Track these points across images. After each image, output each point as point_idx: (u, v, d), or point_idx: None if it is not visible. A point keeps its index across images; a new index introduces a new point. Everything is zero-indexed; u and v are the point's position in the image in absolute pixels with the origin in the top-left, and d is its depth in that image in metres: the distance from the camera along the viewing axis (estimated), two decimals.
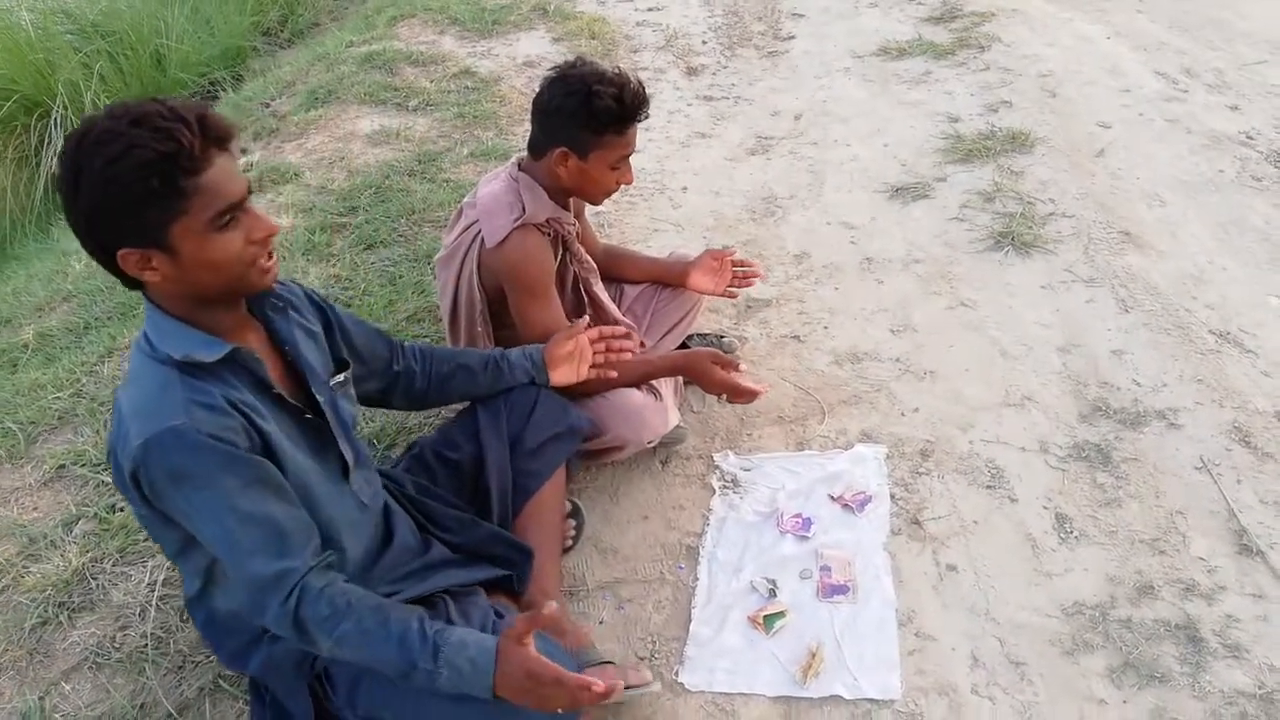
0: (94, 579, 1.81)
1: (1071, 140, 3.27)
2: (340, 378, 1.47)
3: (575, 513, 1.95)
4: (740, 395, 1.92)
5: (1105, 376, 2.26)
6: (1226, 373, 2.21)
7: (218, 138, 1.18)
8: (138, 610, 1.75)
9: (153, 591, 1.77)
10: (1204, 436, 2.05)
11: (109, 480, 2.04)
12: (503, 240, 1.86)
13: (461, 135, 3.59)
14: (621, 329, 1.90)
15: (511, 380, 1.77)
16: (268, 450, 1.26)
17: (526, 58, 4.37)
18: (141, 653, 1.67)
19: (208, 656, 1.67)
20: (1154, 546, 1.82)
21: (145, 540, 1.88)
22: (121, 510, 1.96)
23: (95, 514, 1.96)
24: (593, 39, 4.54)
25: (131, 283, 1.23)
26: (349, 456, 1.42)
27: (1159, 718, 1.53)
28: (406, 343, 1.74)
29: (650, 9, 5.03)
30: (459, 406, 1.86)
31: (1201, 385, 2.19)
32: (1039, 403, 2.21)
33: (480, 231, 1.91)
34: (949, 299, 2.60)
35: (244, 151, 3.68)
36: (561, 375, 1.79)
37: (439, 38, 4.64)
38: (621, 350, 1.84)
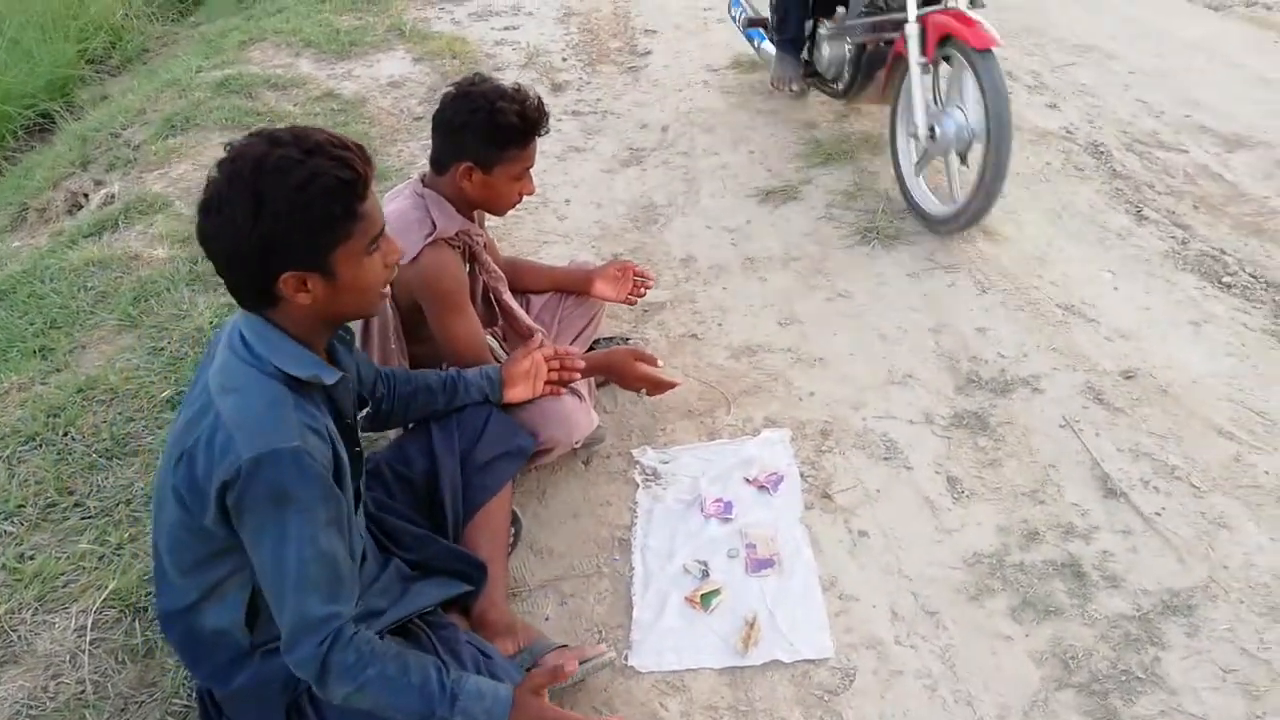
0: (14, 631, 1.73)
1: None
2: (366, 410, 1.51)
3: (513, 519, 2.01)
4: (660, 388, 2.04)
5: (974, 351, 2.49)
6: (1075, 340, 2.49)
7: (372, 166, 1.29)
8: (68, 657, 1.68)
9: (82, 637, 1.70)
10: (1064, 398, 2.31)
11: (12, 529, 1.94)
12: (416, 257, 1.89)
13: None
14: (574, 349, 1.97)
15: (466, 399, 1.82)
16: (338, 482, 1.28)
17: (390, 78, 4.35)
18: (80, 699, 1.61)
19: (151, 695, 1.62)
20: (1034, 497, 2.05)
21: (66, 586, 1.80)
22: (33, 558, 1.87)
23: (4, 564, 1.86)
24: (454, 58, 4.56)
25: (261, 304, 1.26)
26: (362, 487, 1.45)
27: (1057, 645, 1.73)
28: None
29: (507, 28, 5.09)
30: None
31: (1056, 353, 2.46)
32: (919, 379, 2.42)
33: None
34: (827, 291, 2.80)
35: (99, 183, 3.51)
36: (518, 393, 1.86)
37: (295, 60, 4.56)
38: (573, 370, 1.91)
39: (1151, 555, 1.89)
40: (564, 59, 4.65)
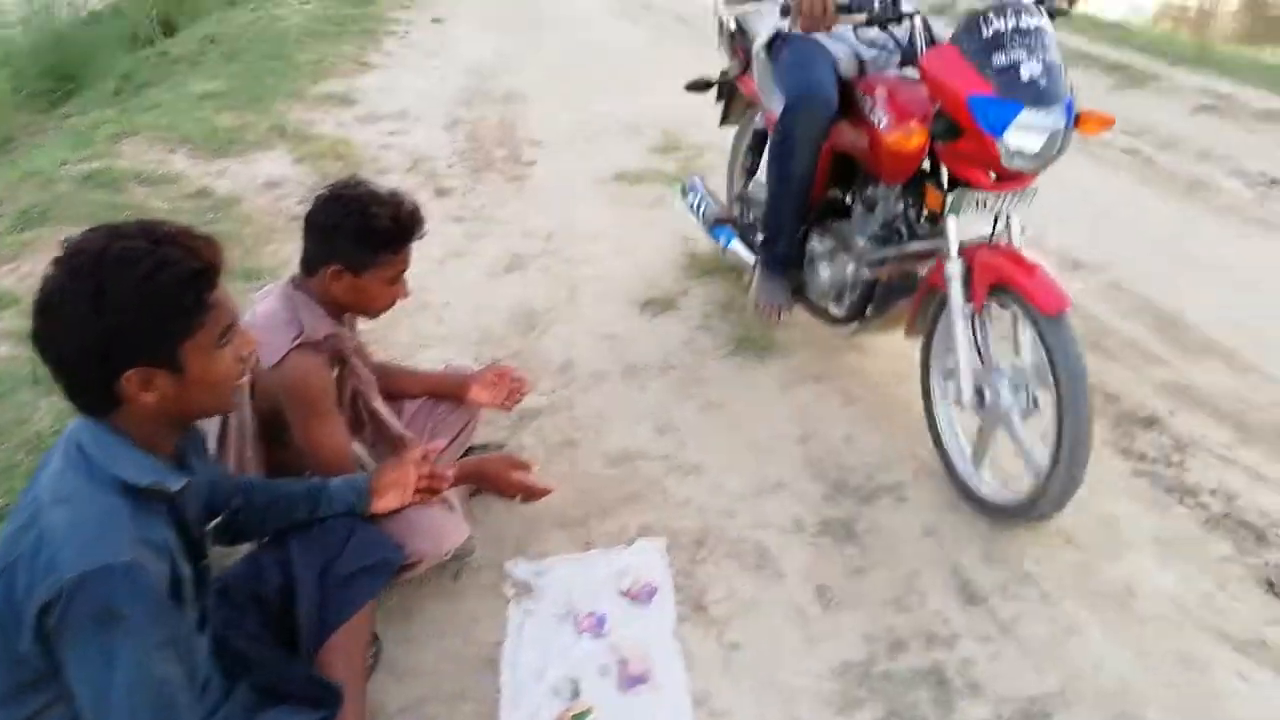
0: None
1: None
2: (218, 521, 1.42)
3: (373, 639, 1.91)
4: (534, 495, 2.01)
5: (841, 460, 2.57)
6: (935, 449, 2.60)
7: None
8: None
9: None
10: (926, 505, 2.39)
11: None
12: (281, 360, 1.84)
13: None
14: (442, 452, 1.92)
15: (330, 510, 1.74)
16: (179, 600, 1.19)
17: (268, 178, 4.30)
18: None
19: None
20: (899, 605, 2.09)
21: None
22: None
23: None
24: (338, 160, 4.56)
25: (102, 407, 1.18)
26: (208, 605, 1.36)
27: None
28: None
29: (393, 133, 5.15)
30: None
31: (916, 461, 2.56)
32: (790, 487, 2.47)
33: (253, 352, 1.88)
34: (703, 400, 2.85)
35: None
36: (387, 503, 1.78)
37: (168, 156, 4.46)
38: (442, 480, 1.86)
39: (1010, 662, 1.94)
40: (449, 165, 4.71)
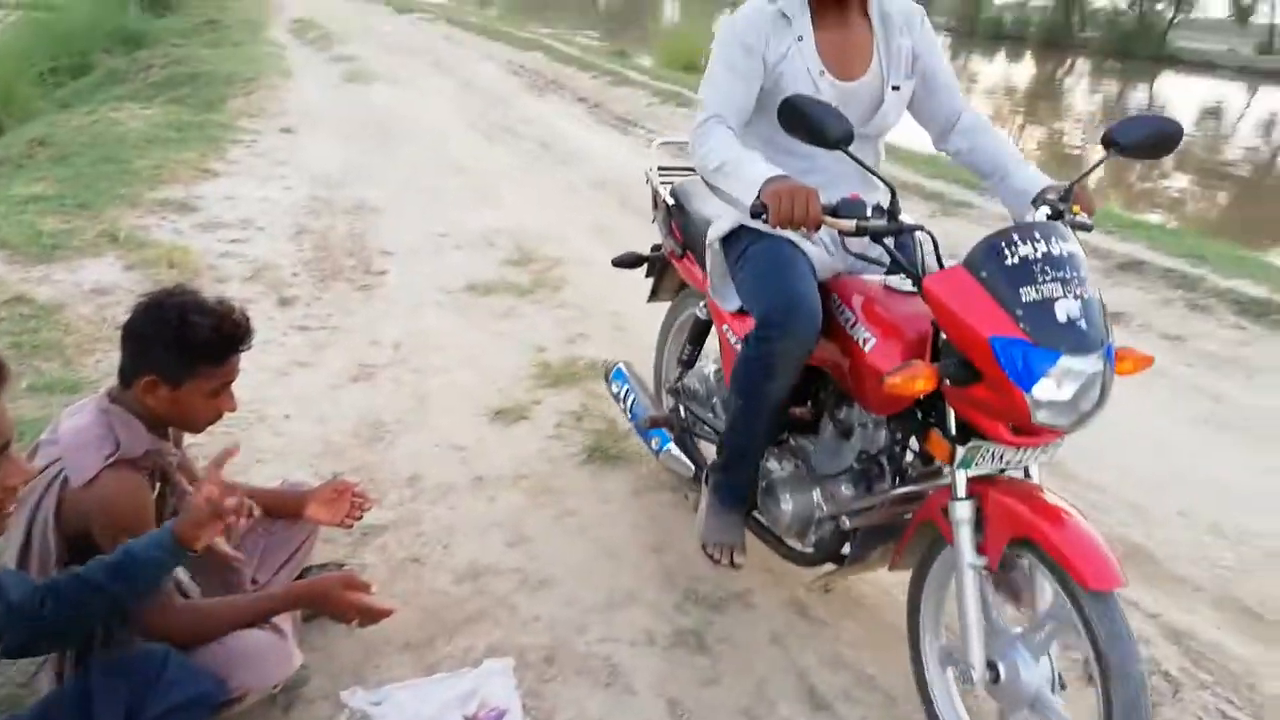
0: None
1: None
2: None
3: None
4: (373, 617, 1.91)
5: (692, 569, 2.58)
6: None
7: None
8: None
9: None
10: (773, 612, 2.42)
11: None
12: (93, 479, 1.72)
13: (18, 367, 3.20)
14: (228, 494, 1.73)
15: (143, 572, 1.57)
16: None
17: (95, 285, 4.08)
18: None
19: None
20: (749, 714, 2.09)
21: None
22: None
23: None
24: (172, 268, 4.37)
25: None
26: None
27: None
28: None
29: (234, 240, 5.00)
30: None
31: (765, 570, 2.60)
32: (641, 598, 2.45)
33: (62, 471, 1.75)
34: (555, 509, 2.82)
35: None
36: (200, 535, 1.62)
37: None
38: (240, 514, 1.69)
39: None
40: (294, 274, 4.60)
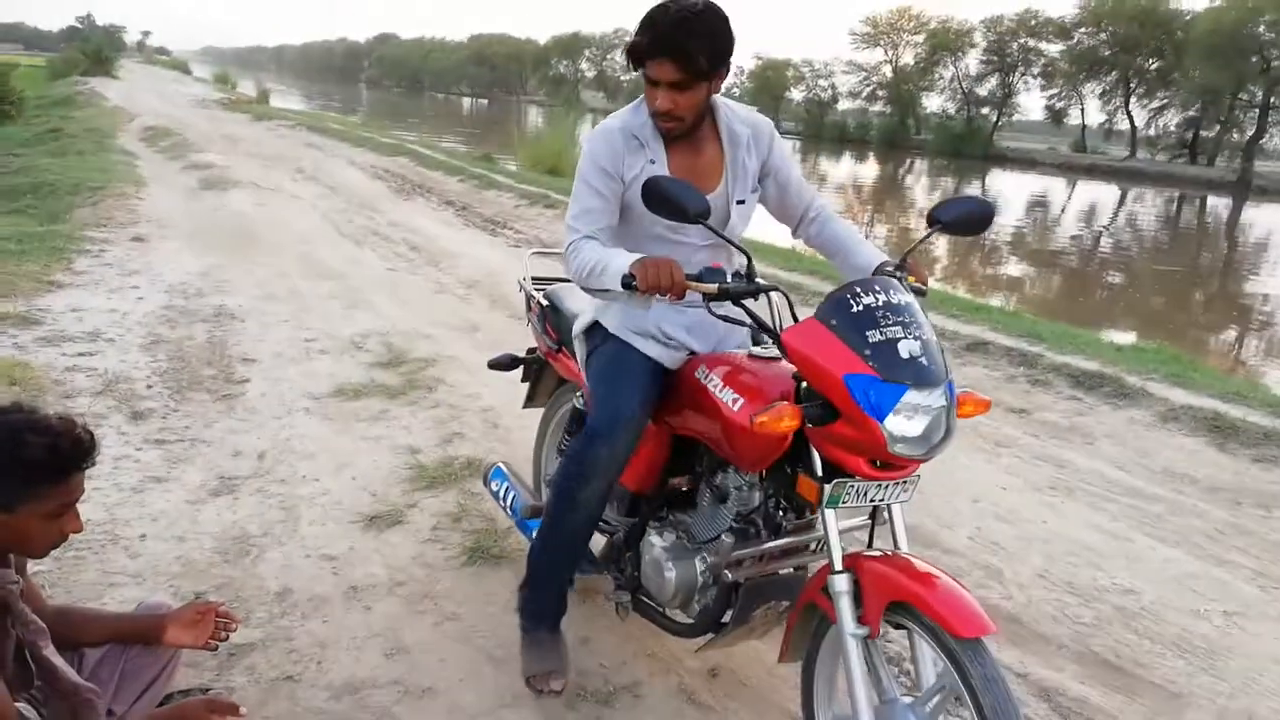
0: None
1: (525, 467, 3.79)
2: None
3: None
4: None
5: (579, 664, 2.54)
6: (666, 641, 2.65)
7: None
8: None
9: None
10: (661, 701, 2.41)
11: None
12: None
13: None
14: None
15: None
16: None
17: None
18: None
19: None
20: None
21: None
22: None
23: None
24: (13, 385, 4.11)
25: None
26: None
27: None
28: None
29: (81, 354, 4.75)
30: None
31: (651, 658, 2.59)
32: (527, 701, 2.39)
33: None
34: (435, 615, 2.74)
35: None
36: None
37: None
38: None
39: None
40: (149, 386, 4.39)
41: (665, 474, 2.37)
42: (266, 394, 4.45)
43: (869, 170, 38.21)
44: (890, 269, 2.10)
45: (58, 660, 1.84)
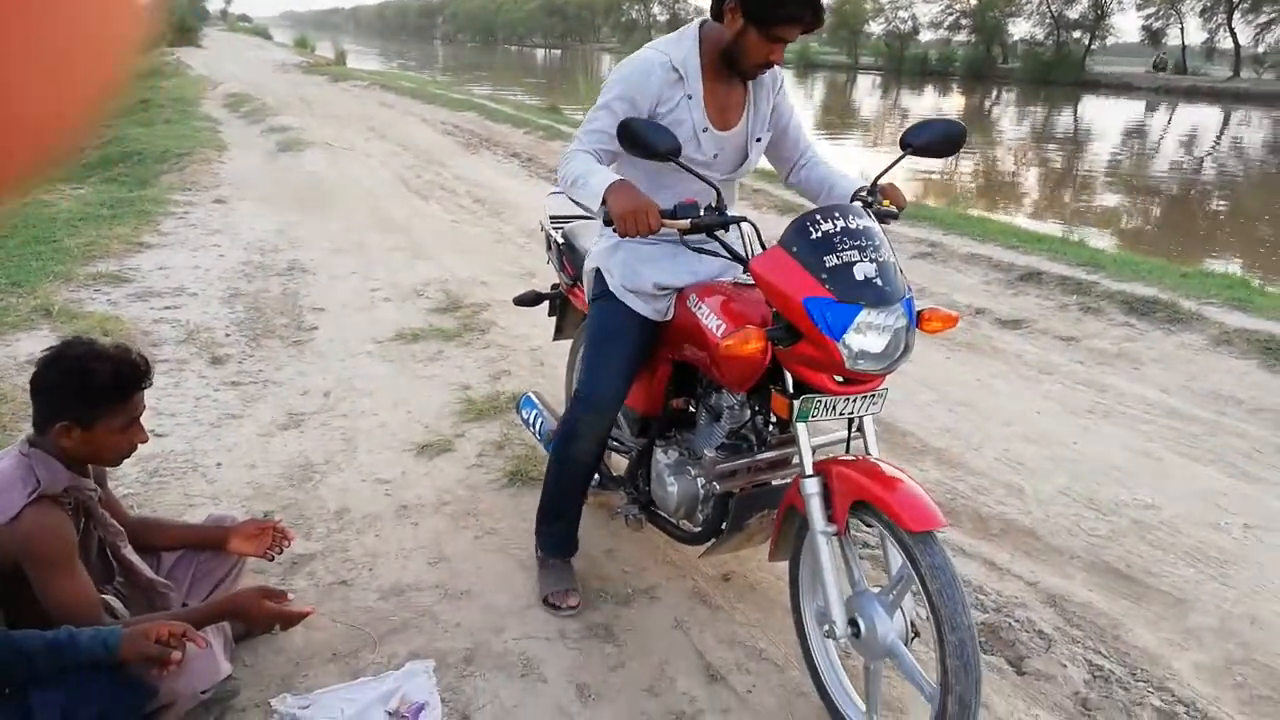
0: None
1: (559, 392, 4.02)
2: None
3: None
4: (291, 620, 2.07)
5: (602, 570, 2.77)
6: (685, 551, 2.85)
7: None
8: None
9: None
10: (675, 602, 2.62)
11: None
12: (16, 515, 1.87)
13: None
14: (179, 626, 1.90)
15: (74, 663, 1.74)
16: None
17: (29, 356, 4.18)
18: None
19: None
20: (651, 692, 2.27)
21: None
22: None
23: None
24: (105, 336, 4.50)
25: None
26: None
27: None
28: None
29: (168, 307, 5.14)
30: None
31: (670, 565, 2.80)
32: None
33: None
34: (475, 530, 3.00)
35: None
36: (138, 649, 1.78)
37: None
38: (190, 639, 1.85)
39: None
40: (227, 335, 4.75)
41: (668, 396, 2.56)
42: (333, 339, 4.76)
43: (952, 103, 36.95)
44: (864, 194, 2.23)
45: (135, 559, 2.15)
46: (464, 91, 22.73)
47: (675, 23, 79.95)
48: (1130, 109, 34.49)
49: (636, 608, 2.60)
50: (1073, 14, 48.88)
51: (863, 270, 1.89)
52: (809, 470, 2.03)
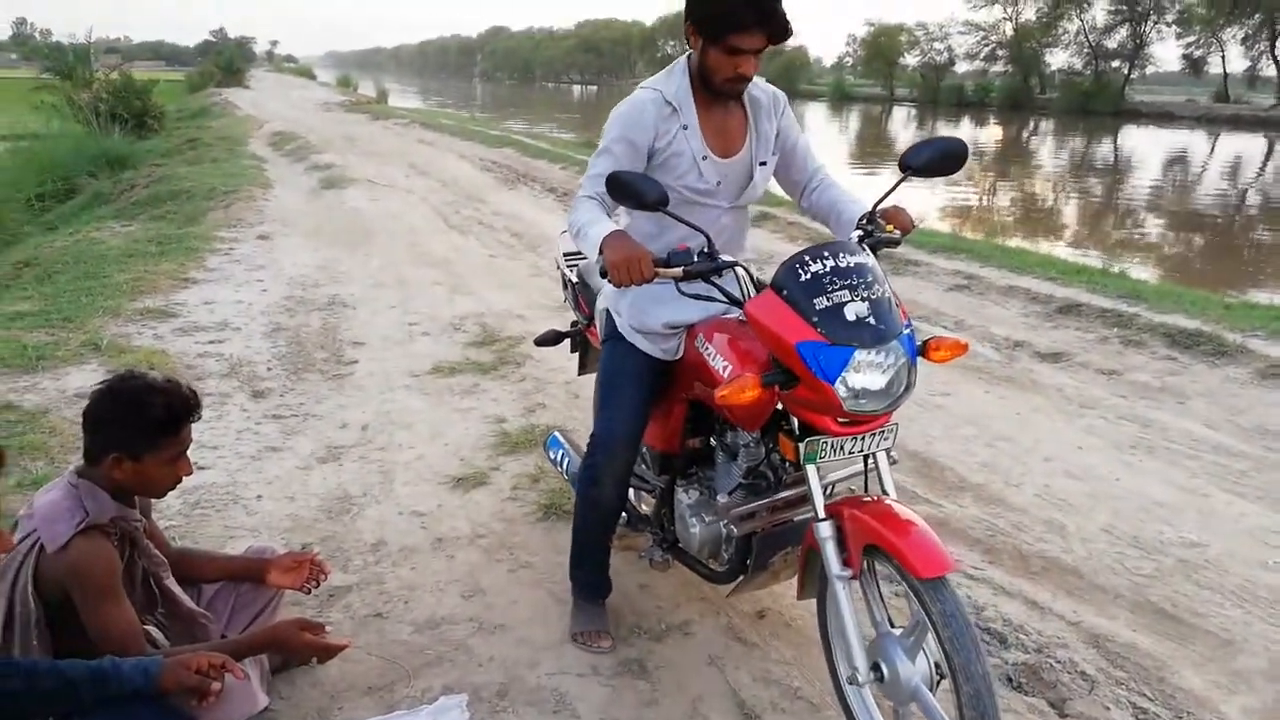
0: None
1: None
2: None
3: None
4: (329, 653, 2.09)
5: (636, 605, 2.77)
6: (719, 587, 2.83)
7: None
8: None
9: None
10: (710, 638, 2.60)
11: None
12: (65, 545, 1.92)
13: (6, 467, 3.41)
14: (218, 658, 1.89)
15: (118, 692, 1.77)
16: None
17: (79, 390, 4.30)
18: None
19: None
20: None
21: None
22: None
23: None
24: (152, 370, 4.60)
25: None
26: None
27: None
28: None
29: (212, 341, 5.26)
30: None
31: (704, 601, 2.78)
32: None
33: (39, 540, 1.95)
34: (510, 563, 3.01)
35: None
36: (177, 678, 1.81)
37: None
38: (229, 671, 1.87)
39: None
40: (269, 369, 4.84)
41: (685, 435, 2.55)
42: (373, 373, 4.83)
43: (989, 134, 36.81)
44: (865, 222, 2.20)
45: (177, 590, 2.18)
46: (502, 128, 23.10)
47: None
48: (1172, 138, 34.10)
49: (670, 644, 2.59)
50: (1111, 44, 48.68)
51: (854, 310, 1.87)
52: (820, 514, 2.00)
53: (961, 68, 56.66)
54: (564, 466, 3.15)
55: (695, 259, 2.06)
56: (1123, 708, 2.44)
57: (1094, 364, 5.19)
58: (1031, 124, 41.82)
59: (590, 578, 2.68)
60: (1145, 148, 30.31)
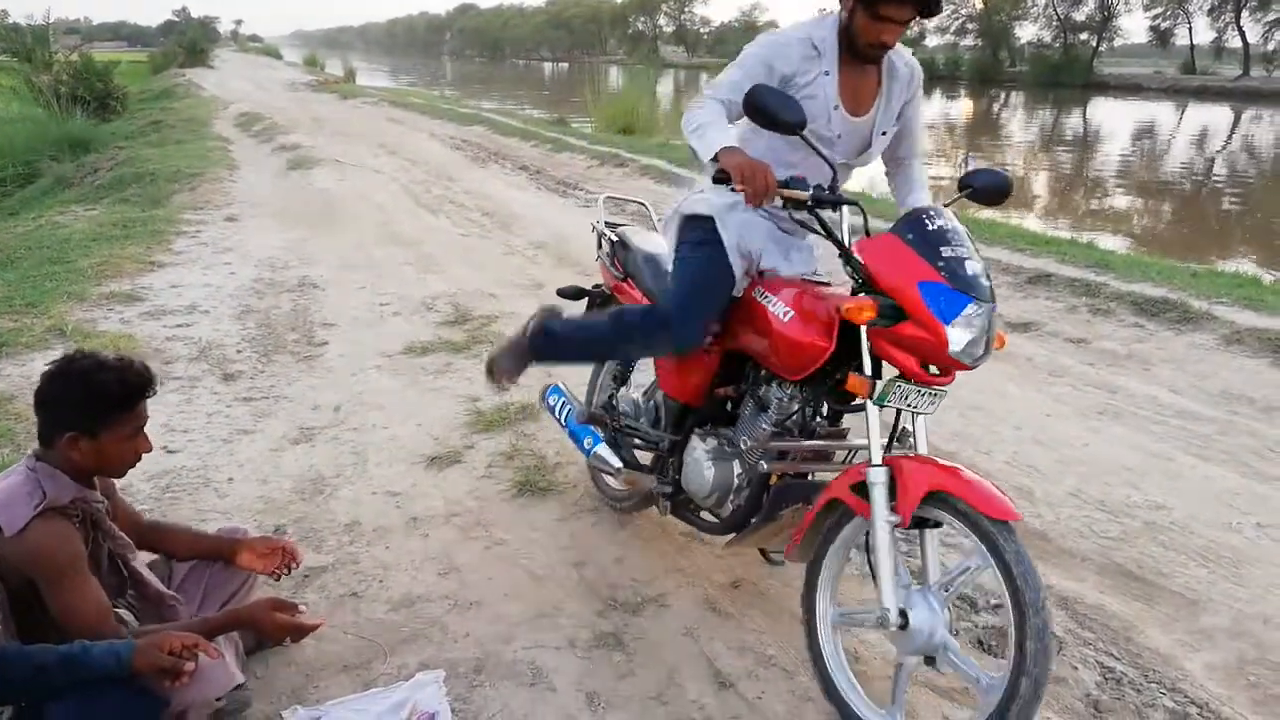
0: None
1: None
2: None
3: None
4: (302, 632, 2.09)
5: (612, 579, 2.78)
6: (695, 559, 2.86)
7: None
8: None
9: None
10: (685, 610, 2.62)
11: None
12: (23, 529, 1.89)
13: None
14: (191, 638, 1.88)
15: (89, 676, 1.75)
16: None
17: None
18: None
19: None
20: (660, 699, 2.28)
21: None
22: None
23: None
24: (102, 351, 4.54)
25: None
26: None
27: None
28: None
29: (180, 325, 5.19)
30: None
31: (679, 573, 2.80)
32: (565, 610, 2.64)
33: None
34: (485, 540, 3.01)
35: None
36: (150, 661, 1.79)
37: None
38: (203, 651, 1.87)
39: None
40: (239, 351, 4.79)
41: (713, 387, 2.61)
42: (344, 354, 4.79)
43: (960, 107, 36.92)
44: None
45: (145, 571, 2.17)
46: (472, 106, 22.88)
47: (681, 33, 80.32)
48: (1139, 109, 34.38)
49: (646, 616, 2.60)
50: (1079, 16, 48.85)
51: (972, 266, 1.98)
52: (877, 459, 2.05)
53: (932, 41, 56.65)
54: (563, 414, 3.14)
55: (813, 188, 2.14)
56: (1090, 667, 2.49)
57: (1063, 333, 5.25)
58: (1002, 96, 41.98)
59: (559, 352, 2.90)
60: (1114, 119, 30.53)
